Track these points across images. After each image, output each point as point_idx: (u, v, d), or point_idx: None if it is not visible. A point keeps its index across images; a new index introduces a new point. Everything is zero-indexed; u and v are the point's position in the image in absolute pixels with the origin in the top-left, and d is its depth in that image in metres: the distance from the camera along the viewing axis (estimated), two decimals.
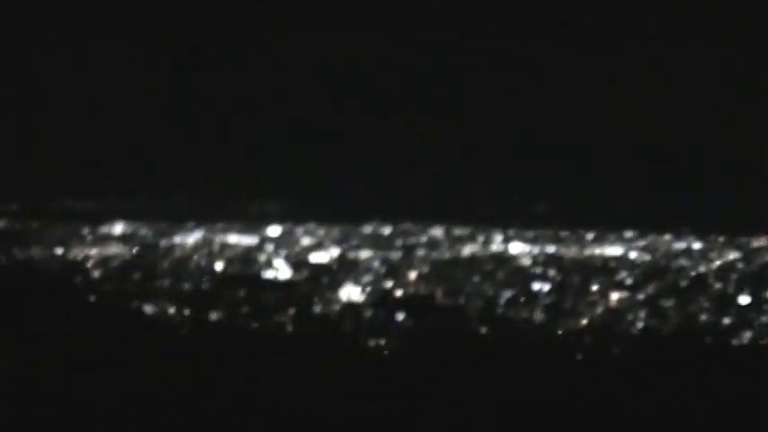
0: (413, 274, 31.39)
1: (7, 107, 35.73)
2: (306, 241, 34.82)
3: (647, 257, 33.26)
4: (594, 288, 29.77)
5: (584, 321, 27.34)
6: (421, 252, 33.85)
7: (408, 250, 33.88)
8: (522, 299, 28.94)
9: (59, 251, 33.00)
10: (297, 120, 37.46)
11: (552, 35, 38.24)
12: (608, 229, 35.38)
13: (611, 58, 36.60)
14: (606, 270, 31.70)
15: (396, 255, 33.35)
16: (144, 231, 35.18)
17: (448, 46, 37.62)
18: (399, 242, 34.91)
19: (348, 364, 24.06)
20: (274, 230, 35.46)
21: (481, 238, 35.39)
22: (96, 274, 31.26)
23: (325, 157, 36.17)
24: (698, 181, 36.14)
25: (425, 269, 31.97)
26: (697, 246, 34.11)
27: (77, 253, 32.96)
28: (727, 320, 26.79)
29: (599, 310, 28.18)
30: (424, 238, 35.45)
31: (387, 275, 31.21)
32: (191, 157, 36.27)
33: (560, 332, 26.64)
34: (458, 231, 35.96)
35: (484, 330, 26.44)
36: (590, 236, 35.46)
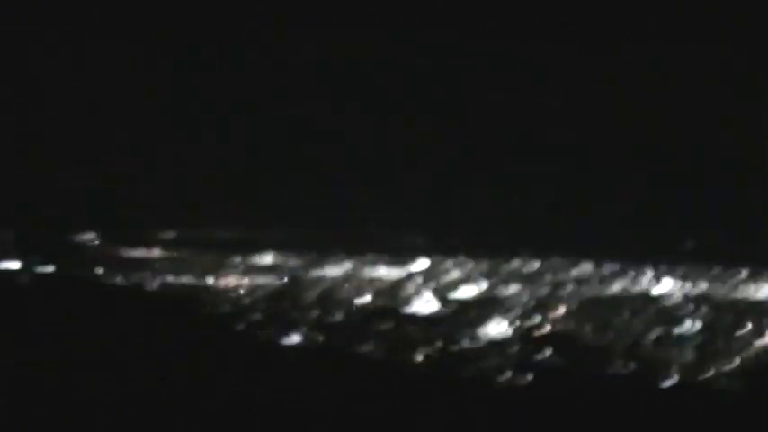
0: (561, 310, 31.07)
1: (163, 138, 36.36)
2: (453, 275, 34.68)
3: None
4: (747, 328, 29.06)
5: (736, 362, 26.71)
6: (570, 287, 33.47)
7: (556, 286, 33.52)
8: (671, 338, 28.41)
9: (210, 280, 33.45)
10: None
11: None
12: (762, 267, 34.52)
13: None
14: (760, 309, 30.93)
15: (544, 290, 33.04)
16: (293, 262, 35.44)
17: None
18: (548, 278, 34.55)
19: (492, 401, 23.88)
20: (422, 264, 35.39)
21: (631, 275, 34.85)
22: (245, 302, 31.61)
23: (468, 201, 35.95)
24: None
25: (573, 305, 31.62)
26: None
27: (228, 282, 33.38)
28: None
29: (751, 351, 27.50)
30: (572, 274, 35.02)
31: (534, 311, 30.94)
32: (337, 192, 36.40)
33: (710, 373, 26.06)
34: (607, 267, 35.42)
35: (630, 369, 26.03)
36: (744, 274, 34.65)
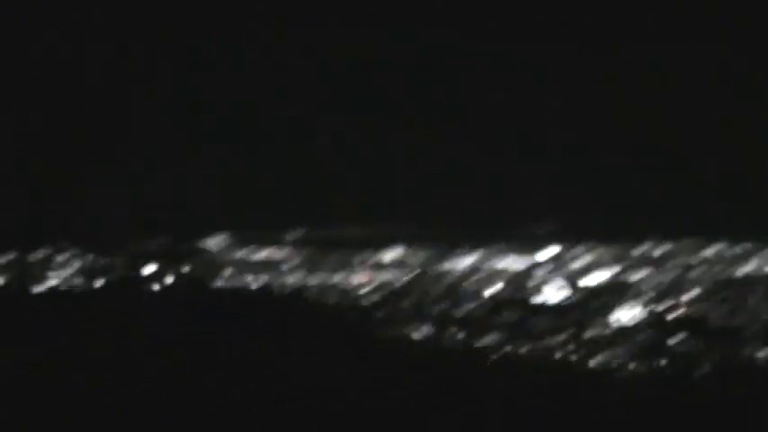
0: (693, 293, 30.59)
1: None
2: (582, 261, 34.36)
3: None
4: None
5: None
6: (701, 270, 32.93)
7: (688, 268, 33.00)
8: None
9: (338, 278, 33.64)
10: None
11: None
12: None
13: None
14: None
15: (675, 273, 32.56)
16: (420, 256, 35.46)
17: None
18: (679, 260, 34.02)
19: (624, 388, 23.61)
20: (550, 251, 35.12)
21: (765, 254, 34.13)
22: (374, 299, 31.73)
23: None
24: None
25: (706, 287, 31.10)
26: None
27: (356, 279, 33.54)
28: None
29: None
30: (704, 255, 34.43)
31: (665, 295, 30.50)
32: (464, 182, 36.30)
33: None
34: (740, 247, 34.74)
35: (762, 354, 25.52)
36: None
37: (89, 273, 32.75)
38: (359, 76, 37.75)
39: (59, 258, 33.09)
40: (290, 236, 36.38)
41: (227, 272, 33.49)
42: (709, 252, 34.55)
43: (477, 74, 38.11)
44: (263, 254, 35.41)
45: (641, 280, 31.99)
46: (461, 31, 38.00)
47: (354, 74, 37.68)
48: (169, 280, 31.88)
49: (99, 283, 31.75)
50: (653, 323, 28.49)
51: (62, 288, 31.35)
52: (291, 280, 33.34)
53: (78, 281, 32.19)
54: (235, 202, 35.14)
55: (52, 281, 32.22)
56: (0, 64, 35.22)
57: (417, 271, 34.15)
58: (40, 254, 33.18)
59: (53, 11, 35.25)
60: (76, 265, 32.95)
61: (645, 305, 29.70)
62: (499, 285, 32.52)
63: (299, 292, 31.87)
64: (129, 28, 36.15)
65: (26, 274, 32.57)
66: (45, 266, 32.81)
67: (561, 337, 27.57)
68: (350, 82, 37.85)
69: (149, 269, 32.60)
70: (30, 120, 35.25)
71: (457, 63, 38.20)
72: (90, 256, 33.60)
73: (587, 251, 34.78)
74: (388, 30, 37.32)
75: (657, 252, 34.65)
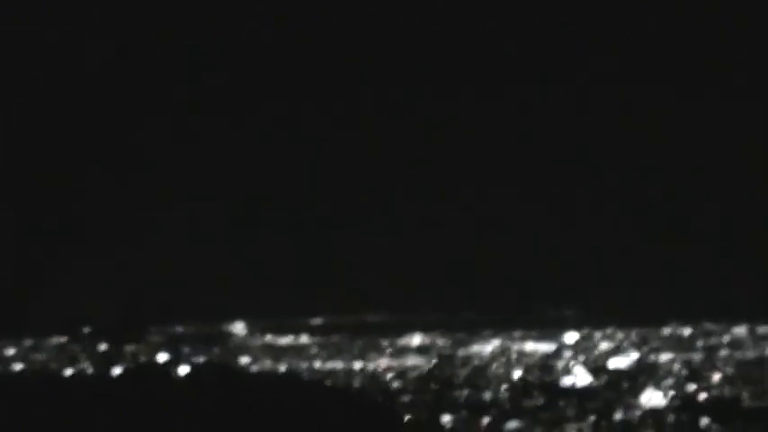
0: (716, 376, 30.52)
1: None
2: (603, 346, 34.33)
3: None
4: None
5: None
6: (724, 353, 32.89)
7: (710, 351, 32.97)
8: None
9: (360, 363, 33.63)
10: None
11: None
12: None
13: None
14: None
15: (698, 356, 32.52)
16: (442, 342, 35.45)
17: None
18: (700, 343, 33.99)
19: None
20: (572, 336, 35.11)
21: None
22: (396, 384, 31.67)
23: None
24: None
25: (729, 370, 31.05)
26: None
27: (378, 365, 33.52)
28: None
29: None
30: (726, 338, 34.39)
31: (689, 378, 30.44)
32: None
33: None
34: (762, 329, 34.71)
35: None
36: None
37: (110, 358, 32.83)
38: (382, 167, 38.14)
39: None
40: (315, 321, 36.47)
41: (247, 357, 33.57)
42: (731, 335, 34.53)
43: (499, 157, 38.44)
44: (288, 339, 35.49)
45: (664, 363, 31.95)
46: (489, 104, 38.39)
47: (378, 165, 38.07)
48: (197, 363, 31.93)
49: (121, 368, 31.79)
50: (678, 407, 28.37)
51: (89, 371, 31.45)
52: (317, 364, 33.40)
53: (100, 365, 32.27)
54: (261, 288, 35.25)
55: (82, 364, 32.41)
56: None
57: (439, 356, 34.15)
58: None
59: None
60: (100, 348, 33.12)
61: (669, 389, 29.61)
62: (522, 370, 32.43)
63: (324, 377, 31.90)
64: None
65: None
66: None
67: (586, 422, 27.46)
68: (372, 173, 38.19)
69: (180, 352, 32.73)
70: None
71: (482, 151, 38.58)
72: (112, 342, 33.71)
73: (613, 333, 34.77)
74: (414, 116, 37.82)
75: (679, 335, 34.65)
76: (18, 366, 32.40)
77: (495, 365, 33.11)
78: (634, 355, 33.24)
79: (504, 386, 30.75)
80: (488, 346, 34.74)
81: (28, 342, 33.86)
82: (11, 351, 33.36)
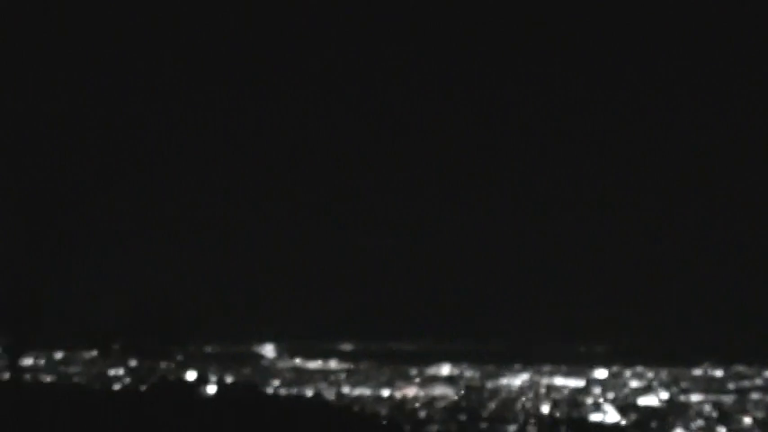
0: (747, 420, 30.27)
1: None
2: (633, 384, 34.12)
3: None
4: None
5: None
6: (755, 395, 32.62)
7: (741, 394, 32.70)
8: None
9: (386, 392, 33.54)
10: None
11: None
12: None
13: None
14: None
15: (728, 398, 32.27)
16: (470, 373, 35.31)
17: None
18: (732, 385, 33.73)
19: None
20: (601, 373, 34.90)
21: None
22: (423, 414, 31.55)
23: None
24: None
25: (760, 414, 30.79)
26: None
27: (405, 393, 33.44)
28: None
29: None
30: (758, 381, 34.11)
31: (719, 421, 30.20)
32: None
33: None
34: None
35: None
36: None
37: (139, 374, 32.83)
38: (418, 195, 38.22)
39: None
40: (345, 347, 36.46)
41: (283, 378, 33.59)
42: (763, 378, 34.25)
43: (529, 199, 38.50)
44: (317, 363, 35.47)
45: (699, 402, 31.71)
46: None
47: (414, 192, 38.14)
48: (225, 383, 31.95)
49: (149, 384, 31.78)
50: None
51: (115, 387, 31.45)
52: (345, 390, 33.36)
53: (129, 381, 32.28)
54: (292, 311, 35.30)
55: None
56: None
57: (467, 387, 34.02)
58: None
59: None
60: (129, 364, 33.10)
61: (701, 429, 29.39)
62: (550, 405, 32.26)
63: (352, 403, 31.84)
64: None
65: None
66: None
67: None
68: (410, 202, 38.27)
69: (209, 372, 32.76)
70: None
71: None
72: (142, 358, 33.72)
73: (644, 372, 34.55)
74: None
75: (714, 375, 34.39)
76: (47, 378, 32.47)
77: (523, 399, 32.95)
78: (664, 395, 33.01)
79: (531, 420, 30.59)
80: (517, 380, 34.58)
81: (58, 355, 33.94)
82: (41, 362, 33.44)
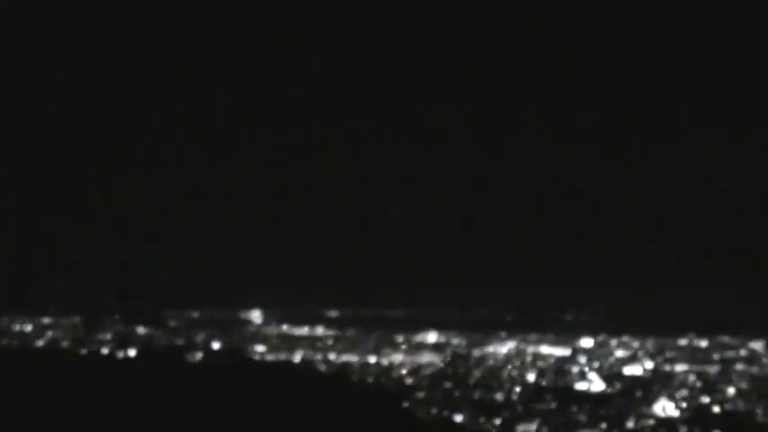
0: (730, 390, 30.40)
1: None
2: (618, 354, 34.25)
3: None
4: None
5: None
6: (739, 366, 32.75)
7: (726, 364, 32.84)
8: None
9: (373, 359, 33.60)
10: None
11: None
12: None
13: None
14: None
15: (713, 369, 32.41)
16: (457, 340, 35.41)
17: None
18: (716, 356, 33.88)
19: None
20: (587, 342, 35.03)
21: None
22: (409, 381, 31.64)
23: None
24: None
25: (744, 384, 30.92)
26: None
27: (392, 360, 33.51)
28: None
29: None
30: (742, 352, 34.27)
31: (702, 391, 30.32)
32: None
33: None
34: None
35: None
36: None
37: (126, 339, 32.91)
38: (406, 166, 38.32)
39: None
40: (332, 313, 36.53)
41: (270, 345, 33.64)
42: (747, 349, 34.40)
43: (519, 163, 38.62)
44: (304, 329, 35.54)
45: (684, 372, 31.83)
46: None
47: (401, 164, 38.26)
48: (214, 348, 32.05)
49: (136, 350, 31.87)
50: (690, 419, 28.24)
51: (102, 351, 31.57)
52: (332, 356, 33.41)
53: (115, 346, 32.37)
54: (280, 278, 35.36)
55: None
56: None
57: (453, 355, 34.10)
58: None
59: None
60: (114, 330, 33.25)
61: (681, 400, 29.50)
62: (535, 374, 32.35)
63: (339, 369, 31.91)
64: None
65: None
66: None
67: (602, 427, 27.37)
68: (396, 174, 38.36)
69: (196, 338, 32.86)
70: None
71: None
72: (128, 323, 33.80)
73: (629, 341, 34.68)
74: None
75: (699, 346, 34.54)
76: (36, 343, 32.52)
77: (509, 367, 33.04)
78: (649, 365, 33.13)
79: (517, 388, 30.67)
80: (503, 348, 34.68)
81: (46, 320, 33.97)
82: (29, 327, 33.47)
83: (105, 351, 31.67)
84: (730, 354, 34.11)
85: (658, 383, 30.80)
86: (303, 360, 32.77)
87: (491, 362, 33.32)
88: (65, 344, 32.33)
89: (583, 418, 27.95)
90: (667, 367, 32.61)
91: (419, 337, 35.44)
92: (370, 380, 31.19)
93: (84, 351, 31.24)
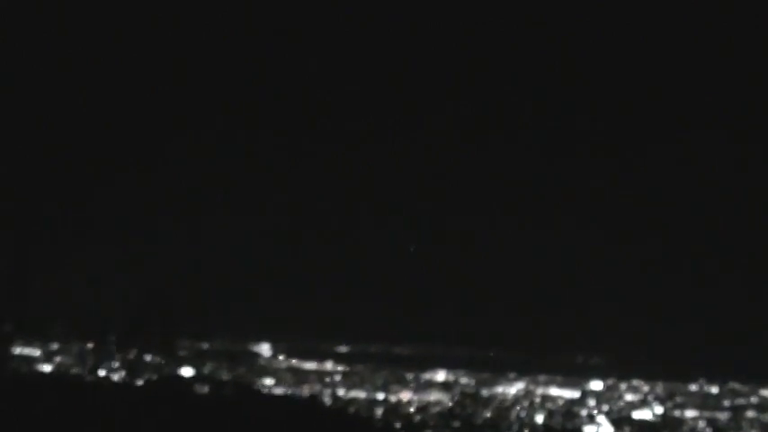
0: None
1: None
2: (628, 398, 34.11)
3: None
4: None
5: None
6: (750, 414, 32.62)
7: (737, 411, 32.71)
8: None
9: (381, 395, 33.52)
10: None
11: None
12: None
13: None
14: None
15: (723, 415, 32.28)
16: (465, 380, 35.29)
17: None
18: (727, 402, 33.73)
19: None
20: (597, 385, 34.88)
21: None
22: (417, 419, 31.56)
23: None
24: None
25: None
26: None
27: (400, 397, 33.43)
28: None
29: None
30: (753, 399, 34.10)
31: None
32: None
33: None
34: None
35: None
36: None
37: (135, 368, 32.86)
38: (412, 195, 38.22)
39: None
40: (341, 348, 36.41)
41: (278, 378, 33.59)
42: (758, 397, 34.24)
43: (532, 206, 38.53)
44: (313, 364, 35.45)
45: (693, 418, 31.72)
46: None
47: (406, 197, 38.18)
48: (220, 381, 31.99)
49: (144, 379, 31.83)
50: None
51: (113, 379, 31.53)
52: (340, 392, 33.34)
53: (124, 373, 32.32)
54: (288, 313, 35.26)
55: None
56: None
57: (461, 394, 34.01)
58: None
59: None
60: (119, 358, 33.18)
61: None
62: (544, 415, 32.25)
63: (346, 405, 31.84)
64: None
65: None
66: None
67: None
68: (406, 201, 38.24)
69: (205, 369, 32.79)
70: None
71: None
72: (135, 354, 33.72)
73: (633, 388, 34.56)
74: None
75: (710, 391, 34.39)
76: (43, 368, 32.46)
77: (518, 408, 32.93)
78: (659, 409, 32.99)
79: (526, 430, 30.58)
80: (512, 388, 34.55)
81: (54, 345, 33.91)
82: (36, 353, 33.41)
83: (115, 379, 31.66)
84: (741, 401, 33.97)
85: (668, 429, 30.71)
86: (311, 395, 32.73)
87: (499, 402, 33.23)
88: (75, 371, 32.32)
89: None
90: (677, 413, 32.52)
91: (428, 375, 35.33)
92: (378, 417, 31.14)
93: (93, 378, 31.24)
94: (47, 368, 32.46)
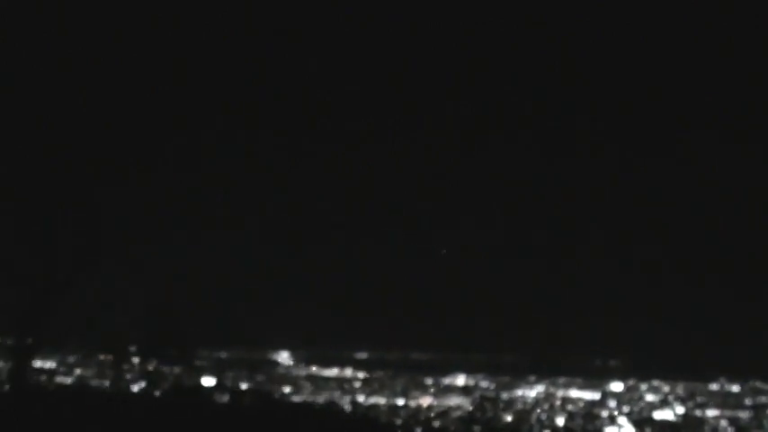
0: None
1: None
2: (649, 398, 34.03)
3: None
4: None
5: None
6: None
7: (758, 410, 32.62)
8: None
9: (401, 401, 33.52)
10: None
11: None
12: None
13: None
14: None
15: (745, 414, 32.19)
16: (485, 384, 35.26)
17: None
18: (749, 401, 33.64)
19: None
20: (617, 386, 34.81)
21: None
22: (437, 424, 31.55)
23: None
24: None
25: None
26: None
27: (420, 403, 33.42)
28: None
29: None
30: None
31: None
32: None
33: None
34: None
35: None
36: None
37: (155, 378, 32.90)
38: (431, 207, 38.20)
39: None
40: (360, 355, 36.43)
41: (298, 385, 33.63)
42: None
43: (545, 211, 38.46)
44: (332, 371, 35.48)
45: (715, 418, 31.64)
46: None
47: (423, 205, 38.14)
48: (240, 390, 32.01)
49: (164, 389, 31.86)
50: None
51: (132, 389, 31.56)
52: (360, 398, 33.35)
53: (144, 384, 32.36)
54: (308, 318, 35.29)
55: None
56: None
57: (481, 398, 33.98)
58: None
59: None
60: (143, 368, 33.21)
61: None
62: (565, 418, 32.20)
63: (367, 411, 31.84)
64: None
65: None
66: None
67: None
68: (426, 210, 38.22)
69: (224, 378, 32.83)
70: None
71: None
72: (155, 365, 33.76)
73: (659, 386, 34.46)
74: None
75: (731, 390, 34.30)
76: (64, 380, 32.53)
77: (538, 411, 32.89)
78: (680, 410, 32.91)
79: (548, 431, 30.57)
80: (532, 392, 34.50)
81: (73, 357, 33.98)
82: (53, 364, 33.49)
83: (135, 390, 31.70)
84: (763, 399, 33.87)
85: (689, 429, 30.64)
86: (331, 402, 32.75)
87: (520, 405, 33.19)
88: (94, 382, 32.37)
89: None
90: (698, 412, 32.43)
91: (448, 380, 35.31)
92: (398, 422, 31.13)
93: (113, 389, 31.28)
94: (67, 380, 32.54)
